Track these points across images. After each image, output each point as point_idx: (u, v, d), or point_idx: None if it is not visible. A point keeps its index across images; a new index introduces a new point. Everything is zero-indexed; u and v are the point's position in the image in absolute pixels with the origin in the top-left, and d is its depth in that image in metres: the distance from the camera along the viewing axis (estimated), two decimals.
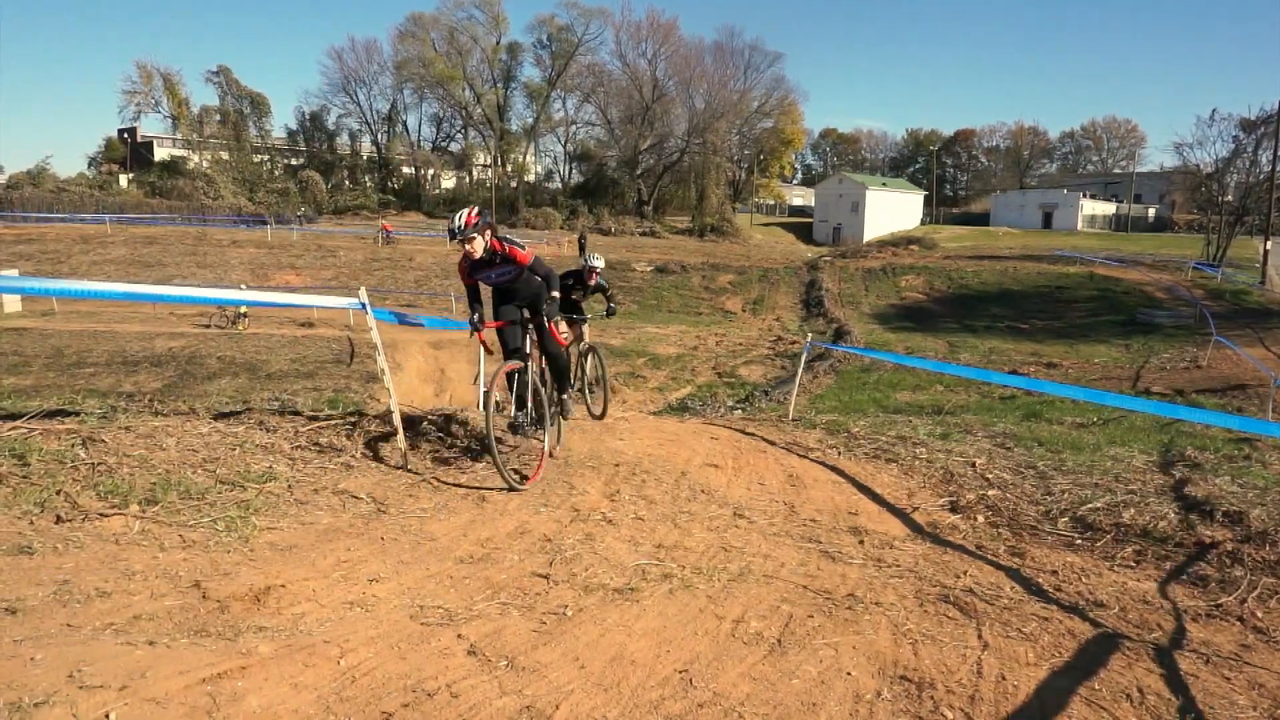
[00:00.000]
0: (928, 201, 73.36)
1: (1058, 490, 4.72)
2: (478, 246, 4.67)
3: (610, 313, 7.60)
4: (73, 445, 4.20)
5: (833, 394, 16.29)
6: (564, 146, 71.29)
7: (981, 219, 69.44)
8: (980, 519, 4.38)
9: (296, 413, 5.70)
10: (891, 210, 65.82)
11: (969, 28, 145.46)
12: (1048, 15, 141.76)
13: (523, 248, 4.86)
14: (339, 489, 4.28)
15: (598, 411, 7.02)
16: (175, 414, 5.42)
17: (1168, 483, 4.93)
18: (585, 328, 7.34)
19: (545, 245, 47.07)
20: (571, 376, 7.43)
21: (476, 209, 4.70)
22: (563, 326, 7.19)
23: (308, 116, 66.44)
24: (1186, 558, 3.71)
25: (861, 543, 3.98)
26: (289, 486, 4.18)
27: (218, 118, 60.96)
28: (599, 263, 7.47)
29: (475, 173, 68.48)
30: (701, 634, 2.85)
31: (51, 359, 18.56)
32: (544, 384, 5.17)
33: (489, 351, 5.14)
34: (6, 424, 4.40)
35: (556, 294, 4.93)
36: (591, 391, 7.32)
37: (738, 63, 67.72)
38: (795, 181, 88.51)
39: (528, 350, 4.92)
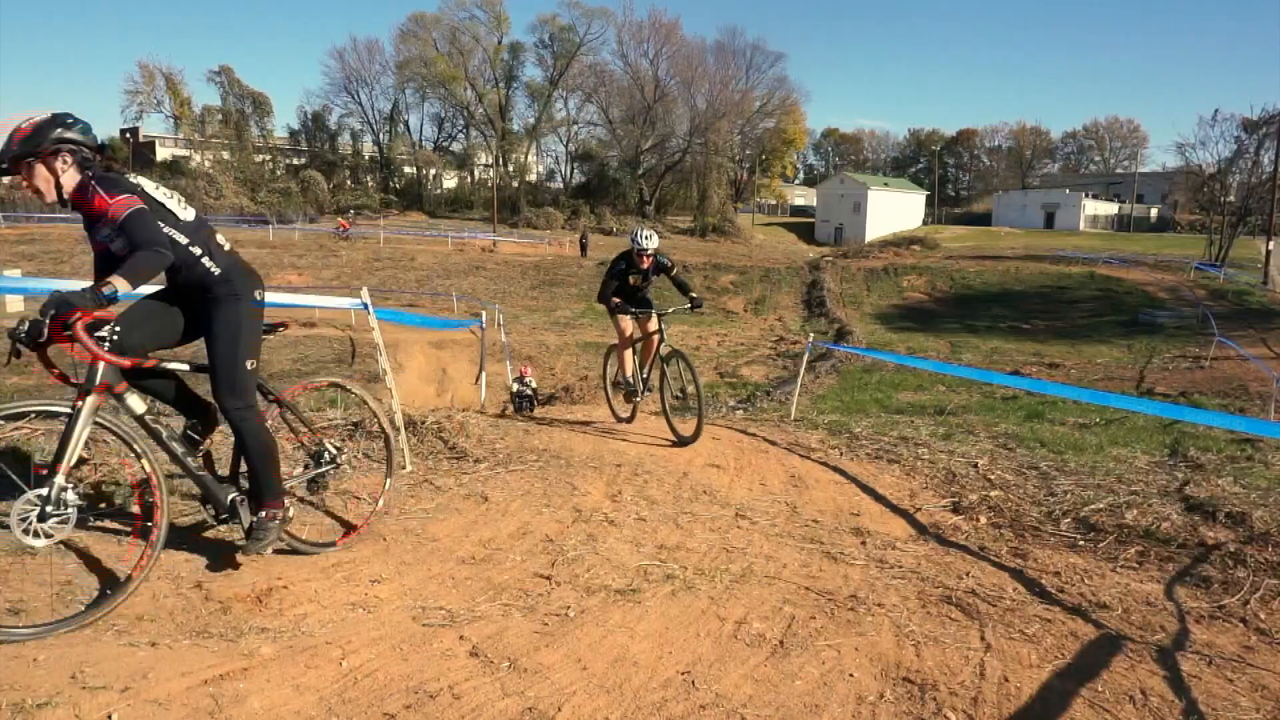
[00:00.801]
0: (930, 201, 73.38)
1: (1060, 491, 4.71)
2: (43, 180, 2.64)
3: (695, 305, 6.32)
4: None
5: (835, 394, 16.27)
6: (566, 146, 71.43)
7: (983, 219, 69.42)
8: (983, 520, 4.37)
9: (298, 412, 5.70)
10: (893, 210, 65.82)
11: (971, 27, 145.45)
12: (1050, 15, 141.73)
13: (116, 193, 2.65)
14: (340, 489, 4.27)
15: (687, 432, 5.83)
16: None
17: (1170, 484, 4.92)
18: (663, 325, 6.17)
19: (547, 245, 47.12)
20: (641, 384, 6.24)
21: (44, 115, 2.63)
22: (627, 324, 6.23)
23: (310, 116, 66.61)
24: (1190, 559, 3.71)
25: (864, 544, 3.97)
26: (290, 486, 4.18)
27: (220, 117, 61.11)
28: (651, 243, 6.14)
29: (477, 172, 68.57)
30: (704, 635, 2.85)
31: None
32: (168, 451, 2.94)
33: (63, 380, 2.81)
34: (9, 424, 4.40)
35: (121, 283, 2.54)
36: (674, 410, 6.16)
37: (739, 62, 67.90)
38: (797, 181, 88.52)
39: (98, 379, 2.67)
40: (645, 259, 6.14)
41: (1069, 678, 2.62)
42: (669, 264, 6.34)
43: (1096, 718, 2.39)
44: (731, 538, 3.98)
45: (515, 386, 14.22)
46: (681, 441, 5.83)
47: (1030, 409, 11.54)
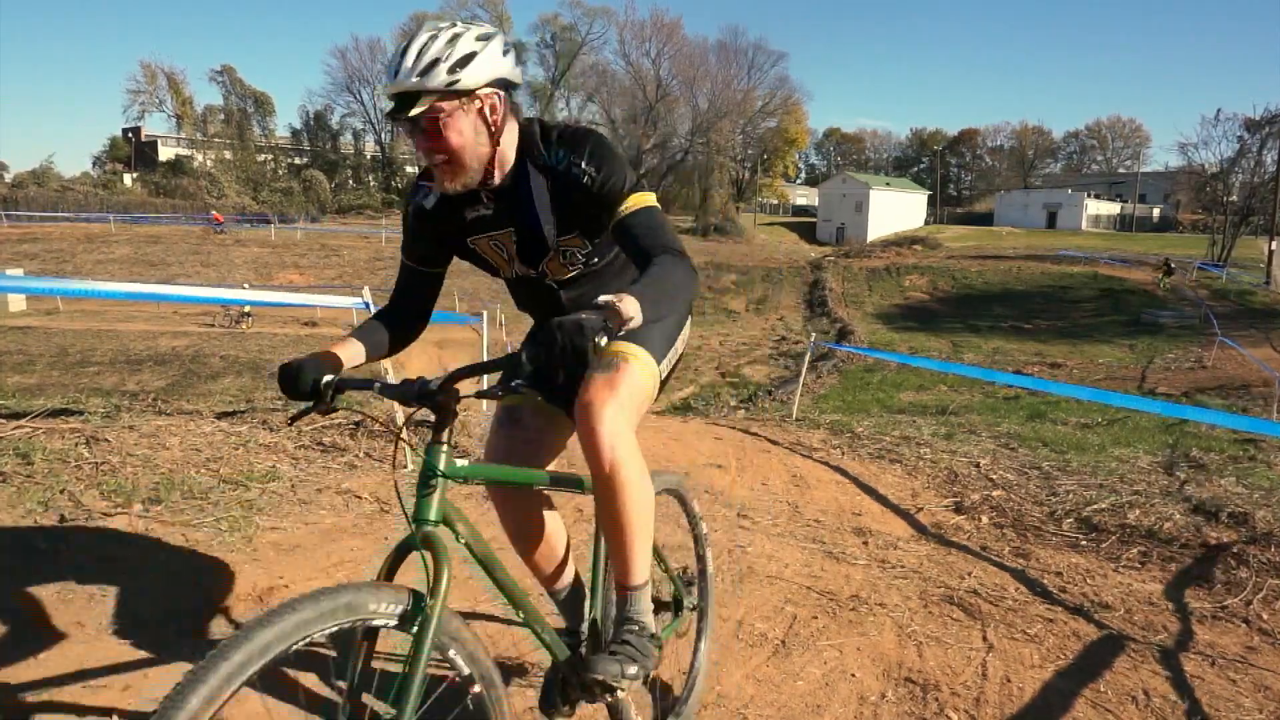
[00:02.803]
0: (931, 201, 73.30)
1: (1062, 491, 4.70)
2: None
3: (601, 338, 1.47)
4: (76, 444, 4.21)
5: (836, 394, 16.27)
6: None
7: (985, 219, 69.36)
8: (985, 520, 4.36)
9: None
10: (895, 210, 65.73)
11: (972, 27, 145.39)
12: (1051, 15, 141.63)
13: None
14: (342, 489, 4.27)
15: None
16: (179, 413, 5.43)
17: (1173, 484, 4.91)
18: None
19: None
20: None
21: None
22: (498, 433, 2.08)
23: (311, 116, 66.65)
24: (1192, 559, 3.70)
25: (865, 543, 3.96)
26: (292, 486, 4.18)
27: (222, 117, 61.20)
28: (424, 66, 1.57)
29: None
30: None
31: (56, 358, 18.62)
32: None
33: None
34: (11, 422, 4.40)
35: None
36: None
37: (741, 62, 67.95)
38: (799, 181, 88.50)
39: None
40: (434, 148, 1.69)
41: (1071, 678, 2.61)
42: (576, 167, 1.74)
43: (1099, 718, 2.39)
44: (733, 537, 3.97)
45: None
46: None
47: (1032, 408, 11.53)
